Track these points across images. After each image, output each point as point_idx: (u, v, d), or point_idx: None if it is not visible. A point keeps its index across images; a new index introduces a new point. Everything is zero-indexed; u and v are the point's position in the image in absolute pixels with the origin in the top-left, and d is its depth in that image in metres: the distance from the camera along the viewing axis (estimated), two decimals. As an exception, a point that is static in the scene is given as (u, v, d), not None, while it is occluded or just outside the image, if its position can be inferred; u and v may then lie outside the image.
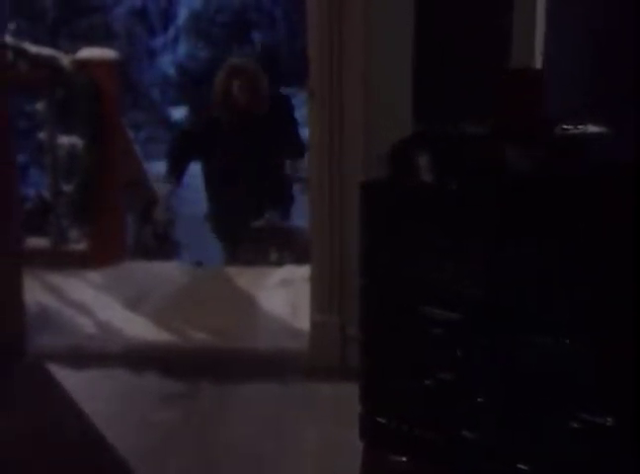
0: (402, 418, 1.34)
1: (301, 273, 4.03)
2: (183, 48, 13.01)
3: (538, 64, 1.59)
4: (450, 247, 1.20)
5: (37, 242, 4.19)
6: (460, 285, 1.19)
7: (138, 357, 3.08)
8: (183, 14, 12.94)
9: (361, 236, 1.37)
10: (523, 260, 1.15)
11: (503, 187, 1.17)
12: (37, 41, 4.48)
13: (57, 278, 3.88)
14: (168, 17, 12.98)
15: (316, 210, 3.00)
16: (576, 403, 1.17)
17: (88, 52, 4.08)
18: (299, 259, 4.34)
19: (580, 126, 1.27)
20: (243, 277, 4.09)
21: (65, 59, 3.94)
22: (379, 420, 1.38)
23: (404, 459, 1.40)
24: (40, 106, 4.13)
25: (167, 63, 13.08)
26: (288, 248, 5.02)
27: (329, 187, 2.95)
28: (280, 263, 4.60)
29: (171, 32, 12.95)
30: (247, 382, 2.88)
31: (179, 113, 13.53)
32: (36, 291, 3.57)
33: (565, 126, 1.27)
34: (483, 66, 1.58)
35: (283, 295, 3.75)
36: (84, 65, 3.95)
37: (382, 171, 1.38)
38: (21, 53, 3.84)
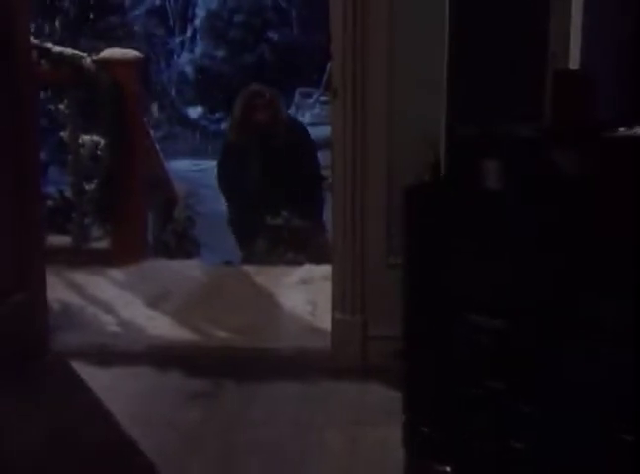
0: (447, 427, 1.33)
1: (321, 271, 4.04)
2: (200, 48, 13.05)
3: (574, 65, 1.59)
4: (500, 254, 1.18)
5: (59, 240, 4.22)
6: (508, 293, 1.17)
7: (162, 356, 3.10)
8: (200, 14, 12.97)
9: (406, 240, 1.37)
10: (575, 268, 1.14)
11: (559, 193, 1.16)
12: (56, 41, 4.51)
13: (80, 276, 3.90)
14: (185, 17, 13.02)
15: (338, 209, 3.01)
16: (629, 414, 1.14)
17: (110, 52, 4.11)
18: (316, 259, 4.34)
19: (630, 130, 1.26)
20: (263, 276, 4.10)
21: (88, 59, 3.96)
22: (423, 429, 1.36)
23: (448, 469, 1.38)
24: (63, 105, 4.15)
25: (184, 63, 13.13)
26: (305, 247, 5.03)
27: (351, 186, 2.96)
28: (295, 261, 4.59)
29: (188, 32, 12.99)
30: (270, 381, 2.89)
31: (195, 111, 13.58)
32: (58, 289, 3.59)
33: (619, 129, 1.26)
34: (520, 67, 1.57)
35: (304, 294, 3.75)
36: (106, 65, 3.97)
37: (424, 174, 1.38)
38: (44, 53, 3.86)
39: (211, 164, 11.10)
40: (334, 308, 3.08)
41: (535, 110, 1.36)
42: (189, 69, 12.95)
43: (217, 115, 13.37)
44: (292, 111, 11.82)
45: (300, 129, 5.53)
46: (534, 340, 1.21)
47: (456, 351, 1.29)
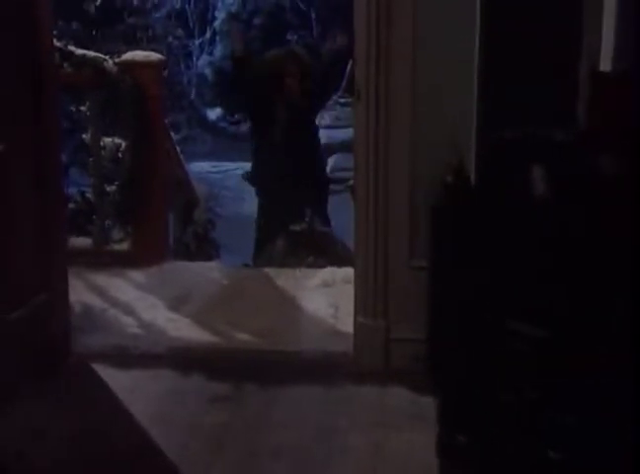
0: (484, 436, 1.29)
1: (342, 274, 4.02)
2: (219, 50, 13.06)
3: (606, 67, 1.56)
4: (544, 261, 1.15)
5: (80, 242, 4.22)
6: (548, 299, 1.14)
7: (183, 358, 3.09)
8: (220, 16, 12.99)
9: (442, 243, 1.34)
10: (617, 274, 1.11)
11: (601, 196, 1.14)
12: (77, 43, 4.52)
13: (101, 278, 3.90)
14: (205, 19, 13.04)
15: (361, 212, 2.99)
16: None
17: (132, 54, 4.11)
18: (336, 263, 4.33)
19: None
20: (283, 279, 4.09)
21: (110, 61, 3.97)
22: (459, 438, 1.32)
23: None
24: (84, 107, 4.16)
25: (203, 65, 13.15)
26: (325, 253, 5.01)
27: (374, 188, 2.94)
28: (316, 265, 4.58)
29: (208, 34, 13.02)
30: (292, 385, 2.88)
31: (214, 113, 13.60)
32: (79, 291, 3.59)
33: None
34: (552, 69, 1.54)
35: (325, 297, 3.74)
36: (129, 67, 3.98)
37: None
38: (67, 55, 3.87)
39: (231, 166, 11.15)
40: (356, 311, 3.06)
41: (568, 111, 1.33)
42: (208, 71, 12.98)
43: (236, 116, 13.37)
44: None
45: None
46: (579, 349, 1.18)
47: (493, 358, 1.26)
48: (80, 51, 3.97)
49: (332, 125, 10.95)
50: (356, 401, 2.80)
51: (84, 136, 4.29)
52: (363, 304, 3.03)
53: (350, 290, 3.54)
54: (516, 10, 1.43)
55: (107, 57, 4.01)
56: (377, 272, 2.98)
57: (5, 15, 2.79)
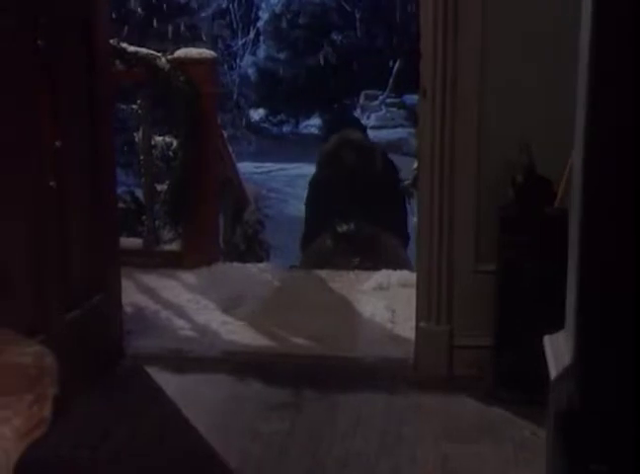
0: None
1: (397, 277, 3.92)
2: (263, 50, 13.04)
3: None
4: None
5: (130, 242, 4.16)
6: None
7: (238, 363, 3.01)
8: (263, 17, 12.97)
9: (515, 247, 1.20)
10: None
11: None
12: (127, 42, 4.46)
13: (151, 279, 3.84)
14: (249, 19, 13.02)
15: (424, 213, 2.89)
16: None
17: (185, 51, 4.04)
18: (385, 265, 4.24)
19: None
20: (337, 281, 4.00)
21: (162, 59, 3.90)
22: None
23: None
24: (136, 105, 4.09)
25: (247, 65, 13.13)
26: (372, 255, 4.94)
27: (439, 189, 2.83)
28: (360, 267, 4.49)
29: (251, 34, 13.00)
30: (353, 391, 2.78)
31: (257, 114, 13.59)
32: (130, 292, 3.53)
33: None
34: None
35: (381, 300, 3.63)
36: (181, 64, 3.91)
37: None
38: (119, 53, 3.82)
39: (273, 167, 11.10)
40: (418, 317, 2.95)
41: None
42: (251, 71, 12.96)
43: (279, 117, 13.36)
44: (357, 113, 11.77)
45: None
46: None
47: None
48: (132, 49, 3.92)
49: (378, 126, 10.88)
50: (419, 410, 2.70)
51: (135, 135, 4.23)
52: (426, 309, 2.92)
53: (406, 294, 3.45)
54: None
55: (159, 54, 3.95)
56: (441, 275, 2.87)
57: (67, 15, 2.73)
